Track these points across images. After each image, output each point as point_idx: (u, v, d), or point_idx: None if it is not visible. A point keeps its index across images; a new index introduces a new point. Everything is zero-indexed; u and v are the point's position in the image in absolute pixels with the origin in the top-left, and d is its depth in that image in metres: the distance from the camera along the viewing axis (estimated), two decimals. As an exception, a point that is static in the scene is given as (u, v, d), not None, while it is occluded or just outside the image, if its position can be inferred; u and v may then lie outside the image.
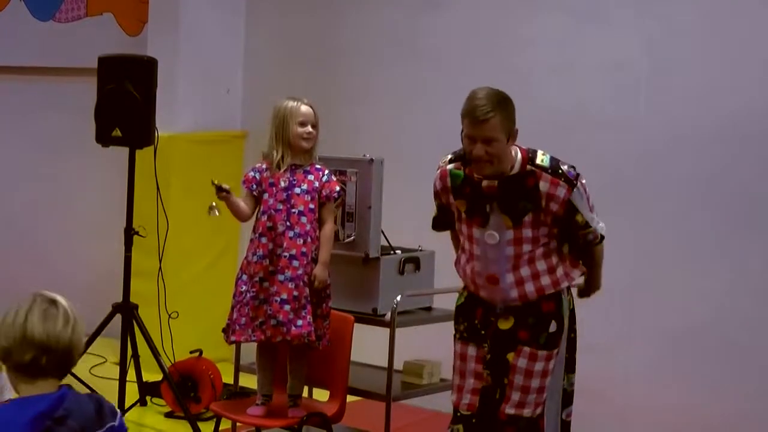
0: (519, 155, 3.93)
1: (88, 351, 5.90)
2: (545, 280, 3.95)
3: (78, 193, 8.20)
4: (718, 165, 5.61)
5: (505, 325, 3.94)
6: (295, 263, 4.67)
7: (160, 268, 6.06)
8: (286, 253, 4.67)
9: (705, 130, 5.63)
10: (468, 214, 4.00)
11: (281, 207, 4.71)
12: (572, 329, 4.05)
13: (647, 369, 5.79)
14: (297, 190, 4.73)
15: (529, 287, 3.95)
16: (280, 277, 4.67)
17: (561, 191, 3.88)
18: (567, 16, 6.08)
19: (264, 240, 4.71)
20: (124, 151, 5.88)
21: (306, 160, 4.78)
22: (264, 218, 4.74)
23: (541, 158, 3.93)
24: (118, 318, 5.87)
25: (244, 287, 4.74)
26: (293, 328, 4.65)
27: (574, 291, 4.20)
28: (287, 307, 4.65)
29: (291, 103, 4.77)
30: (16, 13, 8.46)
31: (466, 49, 6.44)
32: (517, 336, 3.95)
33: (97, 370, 6.71)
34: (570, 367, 4.05)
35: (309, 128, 4.74)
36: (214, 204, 4.79)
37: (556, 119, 5.91)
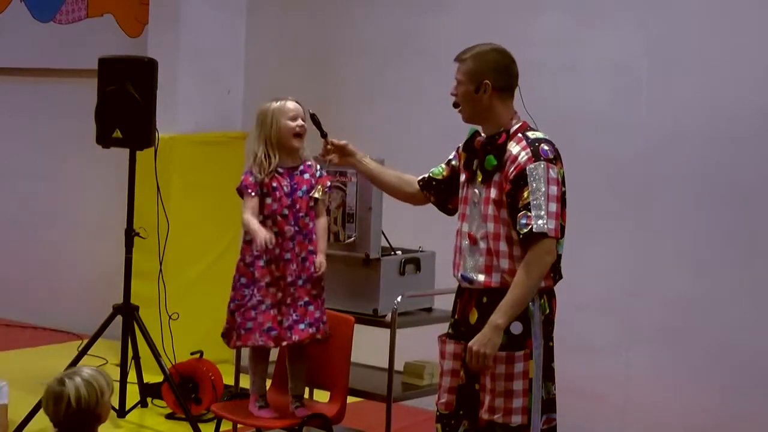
0: (517, 125, 3.90)
1: (89, 352, 5.91)
2: (504, 264, 3.80)
3: (78, 194, 8.20)
4: (718, 165, 5.61)
5: (472, 318, 3.89)
6: (307, 264, 4.70)
7: (160, 269, 6.06)
8: (299, 258, 4.68)
9: (705, 130, 5.63)
10: (463, 166, 4.02)
11: (287, 212, 4.69)
12: (549, 337, 3.90)
13: (647, 369, 5.79)
14: (299, 193, 4.73)
15: (490, 262, 3.84)
16: (299, 282, 4.69)
17: (523, 157, 3.78)
18: (567, 16, 6.09)
19: (270, 245, 4.68)
20: (124, 152, 5.89)
21: (297, 159, 4.77)
22: (269, 222, 4.70)
23: (533, 133, 3.88)
24: (118, 319, 5.88)
25: (247, 291, 4.72)
26: (321, 326, 4.72)
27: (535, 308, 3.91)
28: (311, 308, 4.70)
29: (276, 103, 4.75)
30: (17, 14, 8.46)
31: (466, 49, 6.43)
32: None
33: (98, 371, 6.70)
34: (548, 375, 3.91)
35: (300, 121, 4.73)
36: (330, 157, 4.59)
37: (556, 119, 5.89)
